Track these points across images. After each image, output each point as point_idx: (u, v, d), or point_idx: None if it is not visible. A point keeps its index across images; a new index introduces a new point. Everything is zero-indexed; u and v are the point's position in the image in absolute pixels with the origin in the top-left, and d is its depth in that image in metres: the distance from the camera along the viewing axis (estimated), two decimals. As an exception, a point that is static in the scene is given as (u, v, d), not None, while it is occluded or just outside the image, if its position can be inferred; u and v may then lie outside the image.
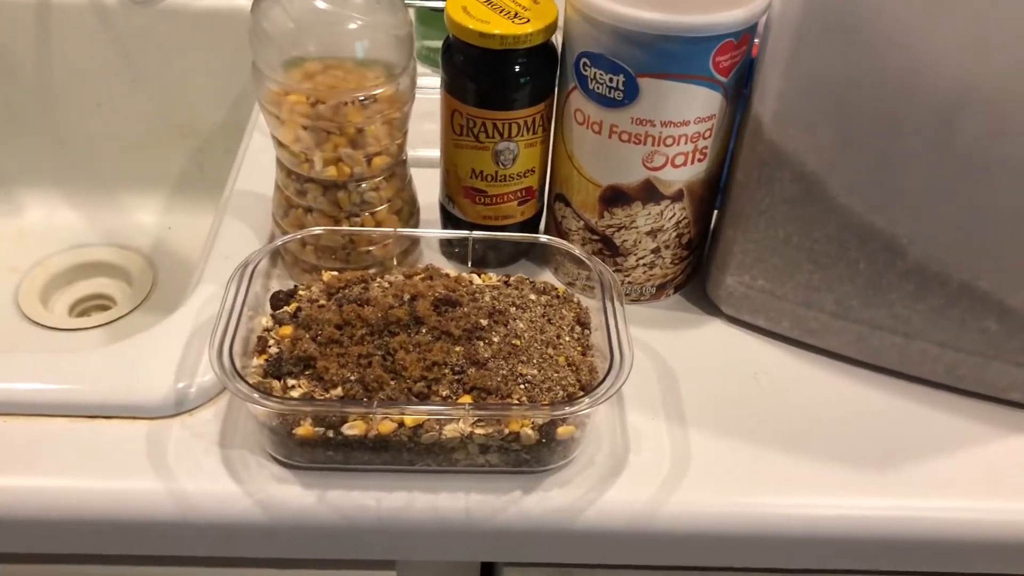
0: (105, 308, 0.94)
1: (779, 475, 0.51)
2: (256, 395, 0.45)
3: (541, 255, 0.64)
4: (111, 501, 0.48)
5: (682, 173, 0.55)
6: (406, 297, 0.52)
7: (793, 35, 0.48)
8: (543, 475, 0.50)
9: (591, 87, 0.53)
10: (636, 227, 0.57)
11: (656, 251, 0.59)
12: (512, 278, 0.56)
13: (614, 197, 0.56)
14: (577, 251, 0.55)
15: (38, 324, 0.88)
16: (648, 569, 0.53)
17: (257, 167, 0.70)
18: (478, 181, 0.59)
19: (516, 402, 0.47)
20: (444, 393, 0.48)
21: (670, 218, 0.57)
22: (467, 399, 0.47)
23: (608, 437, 0.52)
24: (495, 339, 0.50)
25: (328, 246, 0.58)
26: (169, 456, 0.50)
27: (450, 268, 0.57)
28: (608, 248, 0.59)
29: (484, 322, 0.51)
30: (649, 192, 0.55)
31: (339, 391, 0.48)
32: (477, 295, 0.53)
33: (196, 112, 1.02)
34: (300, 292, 0.55)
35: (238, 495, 0.48)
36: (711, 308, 0.61)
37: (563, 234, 0.61)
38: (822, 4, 0.46)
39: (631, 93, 0.51)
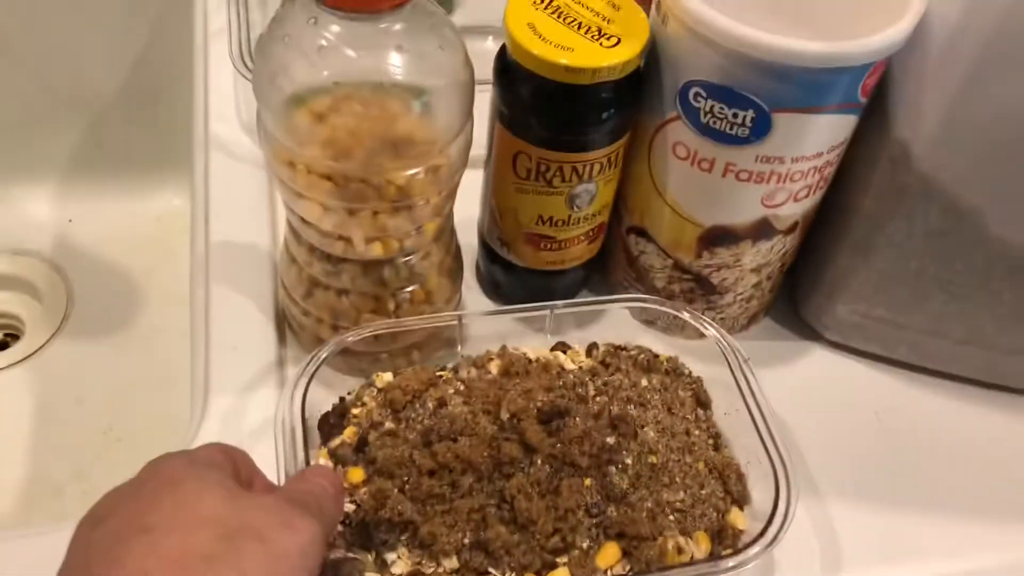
0: (13, 335, 0.78)
1: (939, 544, 0.45)
2: None
3: (604, 282, 0.54)
4: None
5: (802, 206, 0.46)
6: (504, 417, 0.41)
7: (977, 59, 0.38)
8: None
9: (704, 120, 0.42)
10: (740, 265, 0.48)
11: (757, 285, 0.50)
12: (601, 350, 0.46)
13: (718, 237, 0.47)
14: (687, 315, 0.46)
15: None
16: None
17: (228, 194, 0.56)
18: (546, 228, 0.48)
19: (687, 561, 0.39)
20: (583, 544, 0.39)
21: (779, 251, 0.48)
22: (613, 549, 0.39)
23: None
24: (629, 460, 0.41)
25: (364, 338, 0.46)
26: None
27: (525, 344, 0.46)
28: (702, 287, 0.50)
29: (611, 440, 0.41)
30: (762, 229, 0.46)
31: (454, 562, 0.38)
32: (579, 388, 0.43)
33: (85, 79, 0.83)
34: (353, 410, 0.44)
35: None
36: (806, 331, 0.54)
37: (639, 272, 0.51)
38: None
39: (761, 130, 0.41)
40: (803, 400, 0.50)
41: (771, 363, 0.52)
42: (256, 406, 0.47)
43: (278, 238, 0.53)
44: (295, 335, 0.50)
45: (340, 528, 0.39)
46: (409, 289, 0.46)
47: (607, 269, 0.53)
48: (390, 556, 0.38)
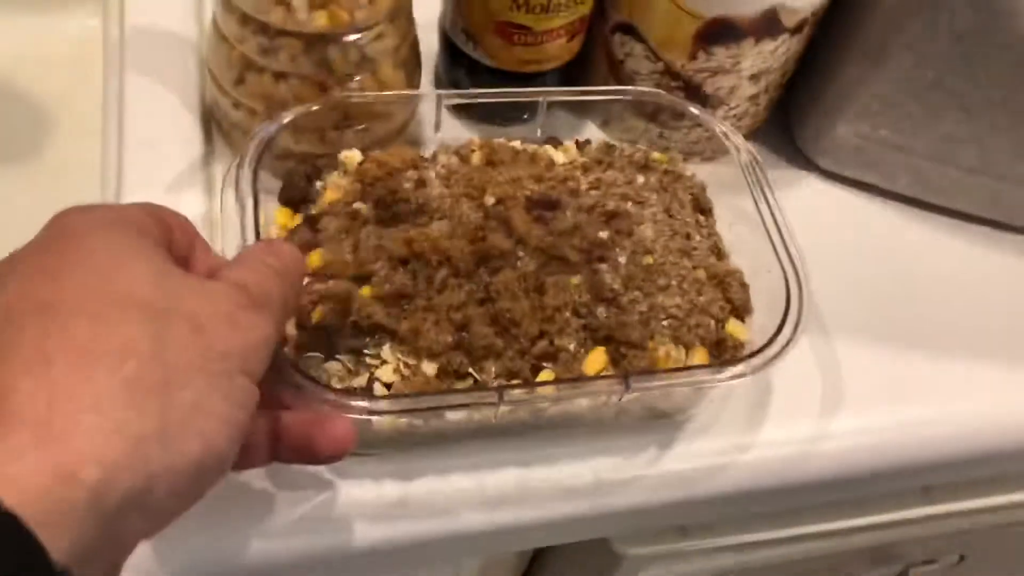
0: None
1: (938, 384, 0.42)
2: (347, 400, 0.30)
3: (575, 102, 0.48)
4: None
5: (816, -3, 0.40)
6: (489, 203, 0.36)
7: None
8: (681, 424, 0.38)
9: None
10: (739, 70, 0.42)
11: (753, 97, 0.45)
12: (594, 145, 0.41)
13: (718, 33, 0.41)
14: (716, 124, 0.40)
15: None
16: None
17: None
18: (521, 15, 0.41)
19: (682, 367, 0.34)
20: (570, 347, 0.34)
21: (781, 55, 0.43)
22: (601, 354, 0.34)
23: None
24: (622, 259, 0.36)
25: (313, 124, 0.40)
26: None
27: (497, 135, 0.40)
28: (692, 98, 0.44)
29: (604, 234, 0.36)
30: (769, 25, 0.40)
31: (433, 366, 0.33)
32: (570, 183, 0.38)
33: None
34: (318, 186, 0.38)
35: (289, 499, 0.34)
36: (798, 158, 0.49)
37: (622, 80, 0.45)
38: None
39: None
40: (800, 235, 0.45)
41: (759, 191, 0.47)
42: (176, 207, 0.40)
43: (206, 21, 0.46)
44: (224, 135, 0.43)
45: (293, 331, 0.33)
46: (358, 77, 0.39)
47: (584, 78, 0.47)
48: (370, 360, 0.33)
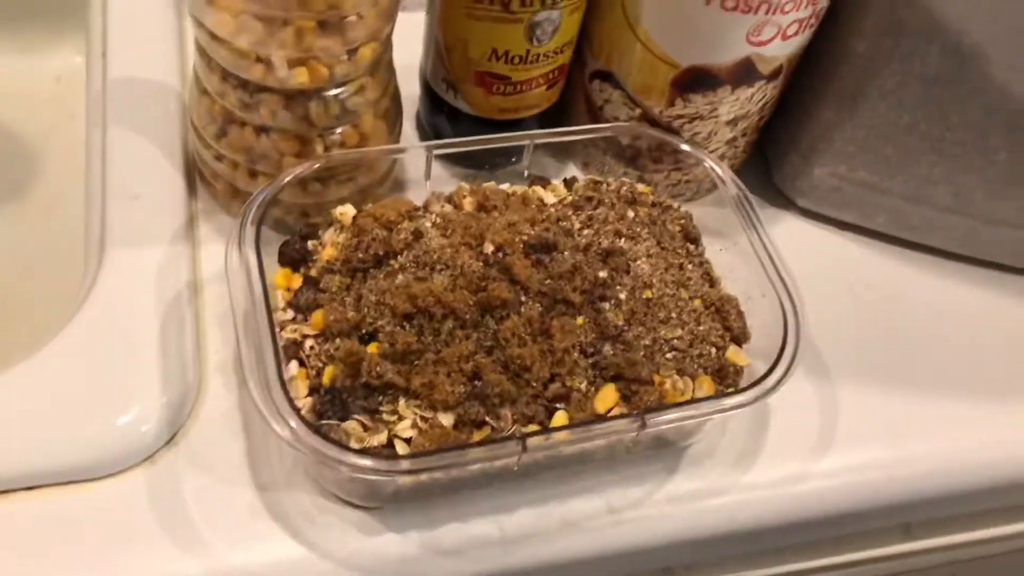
0: None
1: (920, 421, 0.43)
2: (376, 463, 0.31)
3: (563, 145, 0.48)
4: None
5: (790, 45, 0.41)
6: (488, 250, 0.36)
7: None
8: (684, 449, 0.40)
9: (688, -68, 0.36)
10: (716, 116, 0.43)
11: (731, 141, 0.45)
12: (581, 184, 0.41)
13: (694, 81, 0.41)
14: (705, 158, 0.41)
15: None
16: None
17: (130, 20, 0.48)
18: (500, 65, 0.41)
19: (689, 399, 0.35)
20: (581, 386, 0.35)
21: (758, 101, 0.43)
22: (611, 391, 0.35)
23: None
24: (623, 295, 0.37)
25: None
26: (188, 518, 0.35)
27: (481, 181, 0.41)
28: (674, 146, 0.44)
29: (603, 273, 0.37)
30: (744, 73, 0.41)
31: (450, 417, 0.33)
32: (563, 222, 0.39)
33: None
34: (312, 245, 0.38)
35: (312, 561, 0.34)
36: (777, 197, 0.49)
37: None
38: None
39: (754, -57, 0.35)
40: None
41: (739, 231, 0.47)
42: (161, 262, 0.40)
43: (188, 70, 0.46)
44: (207, 186, 0.43)
45: (309, 399, 0.34)
46: (339, 130, 0.40)
47: (565, 124, 0.47)
48: (387, 416, 0.33)
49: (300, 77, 0.37)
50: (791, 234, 0.49)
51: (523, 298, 0.35)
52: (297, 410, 0.31)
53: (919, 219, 0.47)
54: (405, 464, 0.31)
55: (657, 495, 0.38)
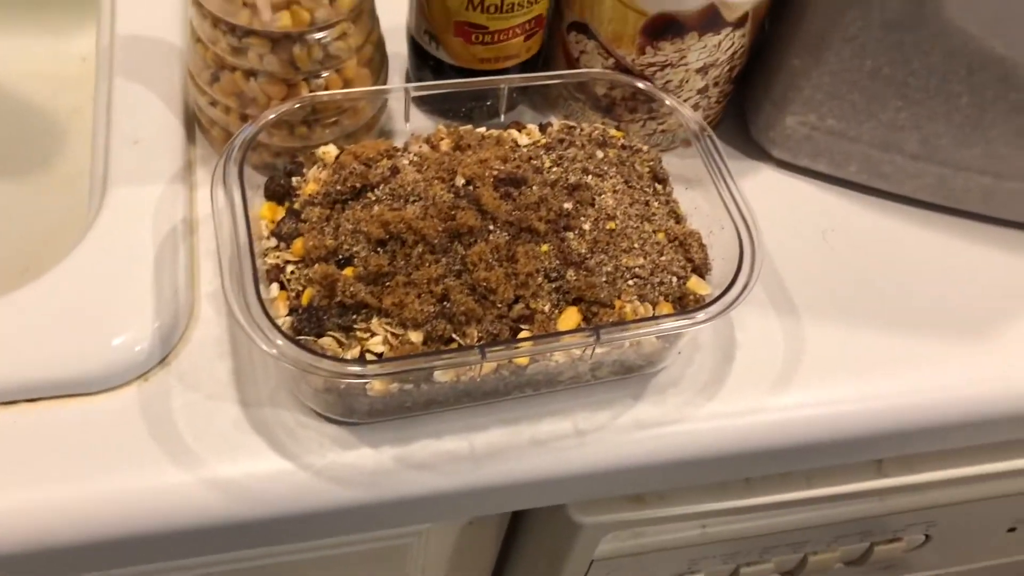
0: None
1: (888, 358, 0.44)
2: (347, 366, 0.33)
3: (542, 97, 0.50)
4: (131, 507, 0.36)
5: (753, -8, 0.42)
6: (459, 183, 0.38)
7: None
8: (650, 377, 0.41)
9: None
10: (686, 64, 0.45)
11: (703, 90, 0.47)
12: (555, 128, 0.43)
13: (662, 28, 0.43)
14: (666, 97, 0.43)
15: None
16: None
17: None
18: (477, 14, 0.44)
19: (648, 316, 0.37)
20: (544, 308, 0.37)
21: (727, 49, 0.45)
22: (574, 313, 0.37)
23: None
24: (587, 226, 0.39)
25: (283, 120, 0.42)
26: (178, 431, 0.37)
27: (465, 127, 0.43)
28: (643, 91, 0.46)
29: (568, 205, 0.39)
30: (710, 20, 0.43)
31: (419, 334, 0.35)
32: (534, 161, 0.41)
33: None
34: (296, 181, 0.40)
35: (292, 472, 0.37)
36: (755, 151, 0.51)
37: (580, 74, 0.48)
38: None
39: None
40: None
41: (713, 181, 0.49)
42: (159, 201, 0.43)
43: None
44: (204, 132, 0.46)
45: (289, 319, 0.36)
46: (324, 75, 0.42)
47: (546, 77, 0.49)
48: (360, 333, 0.36)
49: (283, 20, 0.39)
50: (768, 185, 0.50)
51: (491, 227, 0.37)
52: (275, 323, 0.34)
53: (890, 167, 0.48)
54: (373, 368, 0.34)
55: (622, 419, 0.40)
